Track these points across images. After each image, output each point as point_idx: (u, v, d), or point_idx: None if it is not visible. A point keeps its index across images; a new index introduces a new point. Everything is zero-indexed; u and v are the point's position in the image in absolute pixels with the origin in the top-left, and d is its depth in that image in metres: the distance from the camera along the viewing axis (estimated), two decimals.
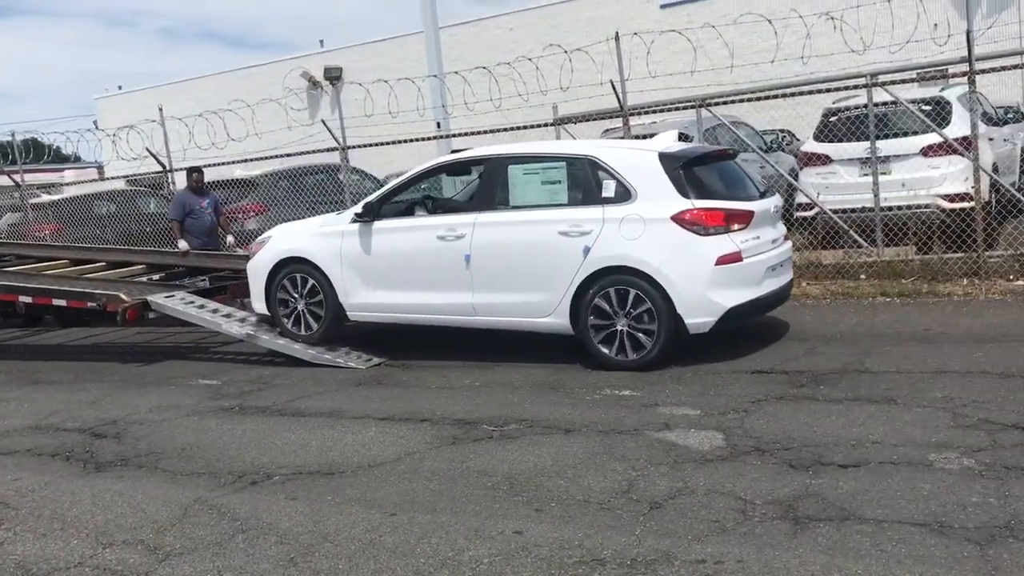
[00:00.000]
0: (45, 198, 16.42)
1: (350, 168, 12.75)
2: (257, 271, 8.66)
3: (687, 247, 6.75)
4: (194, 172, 11.74)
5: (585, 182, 7.24)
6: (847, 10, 9.95)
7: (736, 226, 6.88)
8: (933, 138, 9.77)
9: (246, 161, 13.71)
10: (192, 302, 9.19)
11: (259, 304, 8.70)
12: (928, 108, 10.20)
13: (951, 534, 3.70)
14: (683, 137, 8.64)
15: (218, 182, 13.45)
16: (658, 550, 3.82)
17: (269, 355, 8.89)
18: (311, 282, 8.28)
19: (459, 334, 8.14)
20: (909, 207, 9.86)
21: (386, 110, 11.51)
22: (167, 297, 9.21)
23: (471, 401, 6.61)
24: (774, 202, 7.65)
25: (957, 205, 9.62)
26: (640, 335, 6.87)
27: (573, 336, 7.22)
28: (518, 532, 4.15)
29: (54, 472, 5.85)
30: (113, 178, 18.06)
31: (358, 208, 8.08)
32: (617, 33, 10.73)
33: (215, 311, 9.11)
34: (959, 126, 9.74)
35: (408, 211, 8.31)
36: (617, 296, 6.91)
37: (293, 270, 8.37)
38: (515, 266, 7.32)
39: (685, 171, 6.99)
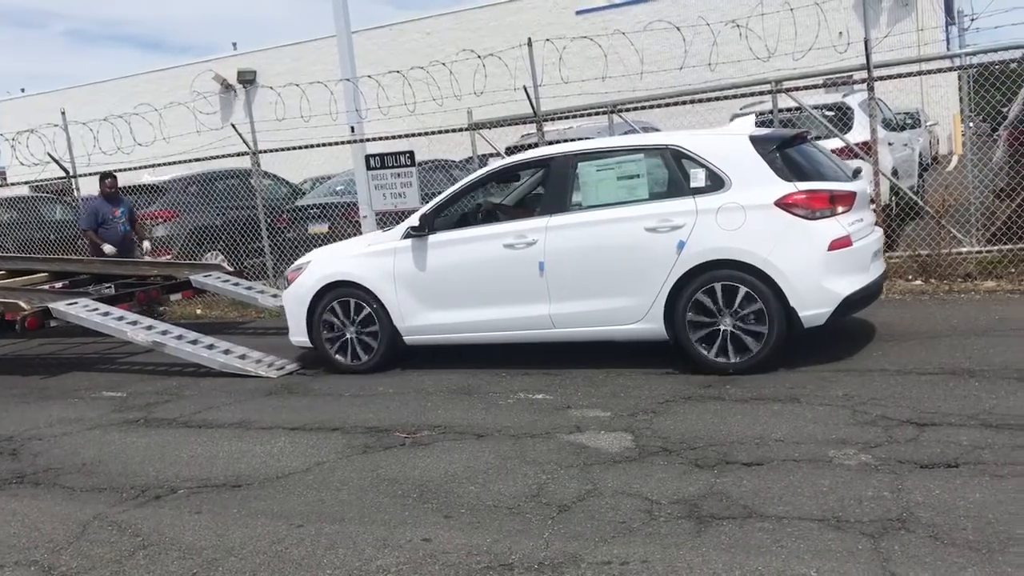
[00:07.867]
0: None
1: (262, 172, 12.53)
2: (297, 299, 7.89)
3: (796, 233, 6.28)
4: (107, 178, 11.41)
5: (669, 173, 6.74)
6: (752, 17, 10.17)
7: (841, 208, 6.45)
8: (835, 143, 10.07)
9: (154, 166, 13.37)
10: (96, 309, 8.87)
11: (300, 336, 7.94)
12: (831, 114, 10.53)
13: (847, 528, 3.81)
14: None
15: (125, 188, 13.11)
16: (565, 553, 3.84)
17: (177, 365, 8.67)
18: (355, 303, 7.62)
19: None
20: None
21: (298, 114, 11.35)
22: (69, 304, 8.88)
23: (384, 408, 6.55)
24: (867, 184, 7.35)
25: None
26: (748, 335, 6.36)
27: (667, 341, 6.71)
28: (427, 539, 4.13)
29: None
30: (15, 184, 17.42)
31: (413, 221, 7.48)
32: (530, 39, 10.78)
33: (120, 318, 8.81)
34: (860, 131, 10.07)
35: (463, 221, 7.68)
36: (720, 293, 6.38)
37: (339, 295, 7.67)
38: (597, 270, 6.76)
39: (780, 153, 6.56)
